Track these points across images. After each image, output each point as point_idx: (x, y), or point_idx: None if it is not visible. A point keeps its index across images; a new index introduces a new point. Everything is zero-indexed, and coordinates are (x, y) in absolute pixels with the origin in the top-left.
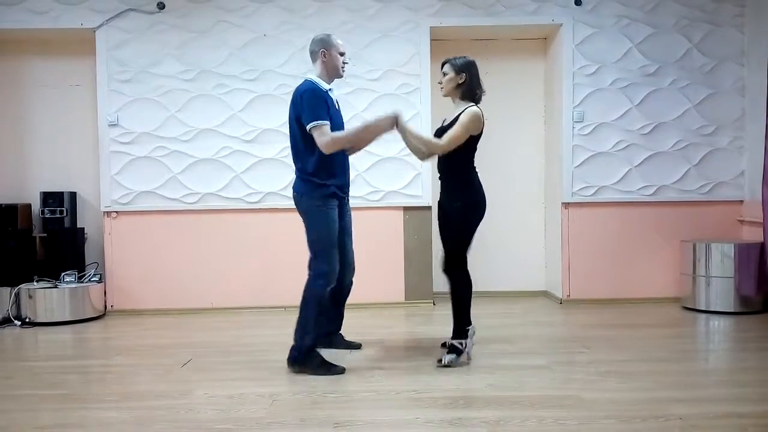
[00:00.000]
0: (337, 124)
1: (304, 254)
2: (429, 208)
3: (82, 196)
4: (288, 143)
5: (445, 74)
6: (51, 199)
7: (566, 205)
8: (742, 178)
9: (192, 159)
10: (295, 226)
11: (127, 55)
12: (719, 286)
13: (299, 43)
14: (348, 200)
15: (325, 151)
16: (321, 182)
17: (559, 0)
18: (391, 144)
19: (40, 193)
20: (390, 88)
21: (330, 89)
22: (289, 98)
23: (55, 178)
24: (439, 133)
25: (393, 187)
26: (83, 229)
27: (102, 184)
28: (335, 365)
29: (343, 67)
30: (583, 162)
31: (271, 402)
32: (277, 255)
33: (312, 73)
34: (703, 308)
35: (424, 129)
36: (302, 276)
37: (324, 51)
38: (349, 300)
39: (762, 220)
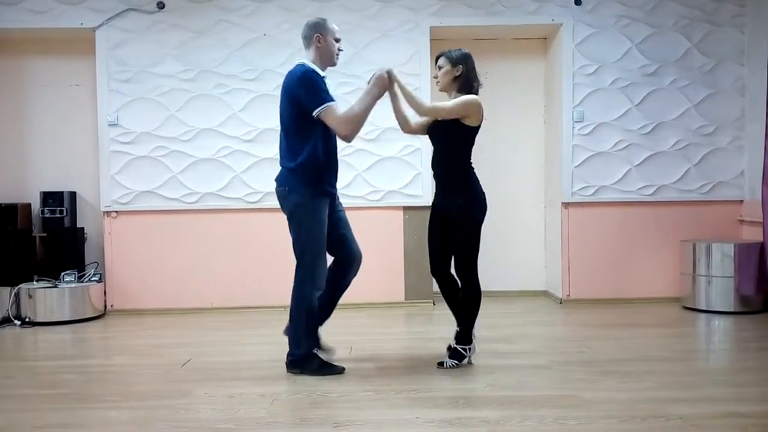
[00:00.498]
0: None
1: None
2: (429, 207)
3: (82, 195)
4: None
5: (440, 68)
6: (51, 198)
7: (566, 204)
8: (742, 178)
9: (192, 159)
10: None
11: (127, 55)
12: (719, 285)
13: (299, 43)
14: (337, 194)
15: (345, 134)
16: (313, 176)
17: (559, 0)
18: (391, 144)
19: (40, 192)
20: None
21: (324, 76)
22: None
23: (55, 177)
24: (433, 129)
25: (393, 186)
26: (83, 228)
27: (102, 184)
28: (335, 365)
29: (337, 54)
30: (583, 162)
31: (271, 402)
32: (277, 255)
33: (304, 58)
34: (703, 308)
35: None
36: None
37: (319, 36)
38: (349, 300)
39: (762, 220)
